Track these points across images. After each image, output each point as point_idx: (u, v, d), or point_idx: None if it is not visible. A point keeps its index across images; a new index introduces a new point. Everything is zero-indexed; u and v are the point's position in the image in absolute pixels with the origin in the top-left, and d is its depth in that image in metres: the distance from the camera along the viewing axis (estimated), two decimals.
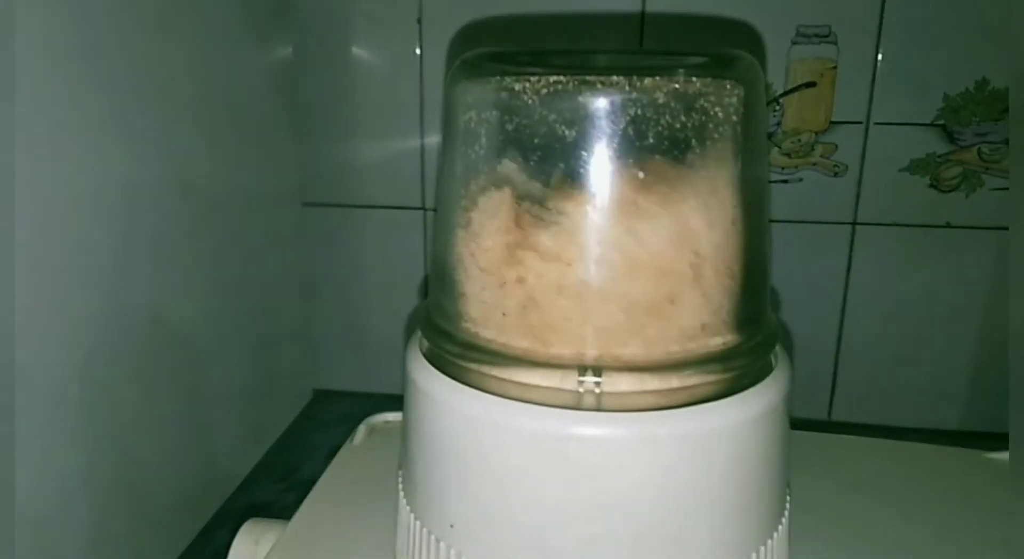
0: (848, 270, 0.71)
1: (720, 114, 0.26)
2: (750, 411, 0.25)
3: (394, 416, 0.43)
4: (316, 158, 0.74)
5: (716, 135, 0.26)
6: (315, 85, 0.72)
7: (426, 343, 0.29)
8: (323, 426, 0.74)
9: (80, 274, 0.43)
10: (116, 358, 0.46)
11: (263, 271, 0.67)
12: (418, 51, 0.71)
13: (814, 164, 0.69)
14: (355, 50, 0.72)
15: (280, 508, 0.61)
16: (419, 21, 0.70)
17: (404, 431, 0.30)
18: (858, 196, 0.69)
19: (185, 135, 0.53)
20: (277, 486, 0.64)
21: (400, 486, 0.31)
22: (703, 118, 0.26)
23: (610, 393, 0.25)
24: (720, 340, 0.26)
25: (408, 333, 0.78)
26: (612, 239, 0.25)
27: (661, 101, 0.25)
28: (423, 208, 0.75)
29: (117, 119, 0.45)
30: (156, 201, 0.50)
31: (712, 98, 0.26)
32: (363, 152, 0.74)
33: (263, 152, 0.66)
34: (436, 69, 0.71)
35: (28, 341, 0.39)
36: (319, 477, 0.40)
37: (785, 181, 0.69)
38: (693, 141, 0.26)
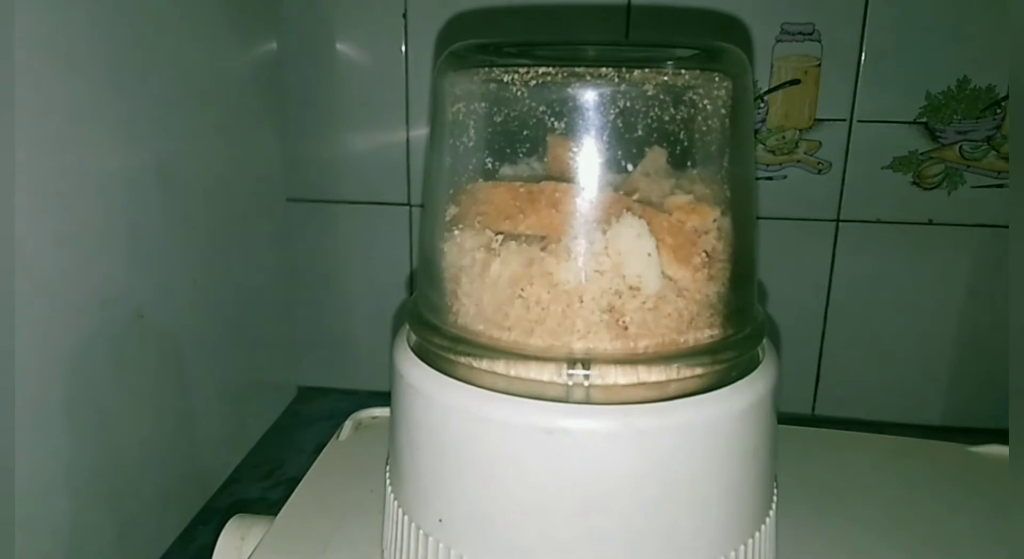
0: (832, 266, 0.71)
1: (708, 106, 0.26)
2: (738, 404, 0.25)
3: (381, 411, 0.43)
4: (301, 153, 0.74)
5: (704, 127, 0.26)
6: (300, 79, 0.72)
7: (414, 337, 0.29)
8: (308, 423, 0.74)
9: (61, 271, 0.42)
10: (98, 355, 0.46)
11: (247, 267, 0.66)
12: (403, 46, 0.70)
13: (798, 161, 0.69)
14: (340, 44, 0.71)
15: (265, 505, 0.60)
16: (404, 15, 0.70)
17: (392, 425, 0.30)
18: (842, 193, 0.70)
19: (168, 130, 0.52)
20: (262, 483, 0.63)
21: (388, 481, 0.30)
22: (691, 110, 0.26)
23: (598, 386, 0.25)
24: (708, 333, 0.26)
25: (395, 329, 0.78)
26: (599, 231, 0.25)
27: (650, 93, 0.25)
28: (408, 204, 0.74)
29: (99, 114, 0.45)
30: (139, 197, 0.49)
31: (700, 90, 0.26)
32: (348, 147, 0.74)
33: (247, 147, 0.66)
34: (422, 63, 0.71)
35: (11, 339, 0.38)
36: (304, 474, 0.39)
37: (770, 178, 0.70)
38: (681, 133, 0.26)
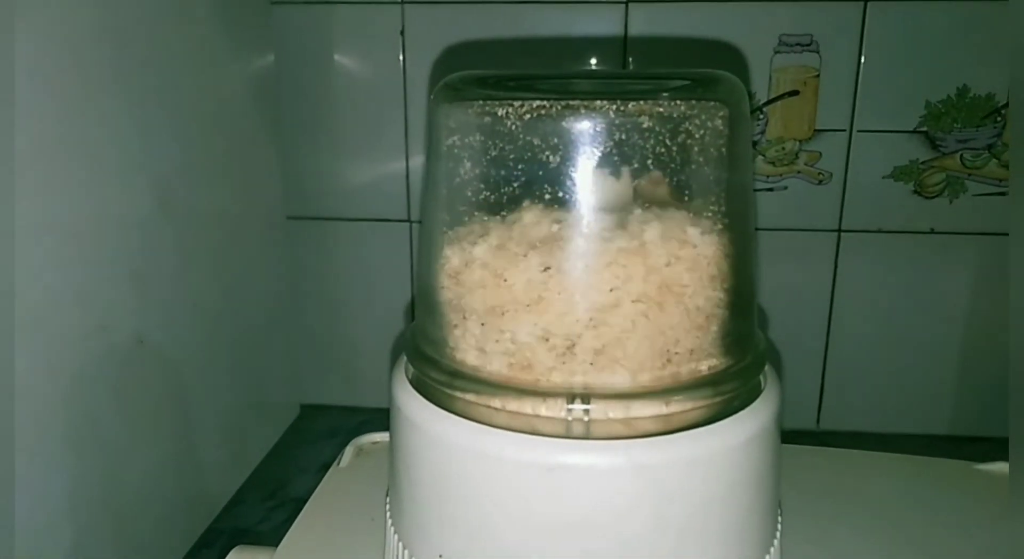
0: (834, 277, 0.71)
1: (705, 136, 0.26)
2: (741, 435, 0.25)
3: (381, 436, 0.42)
4: (300, 171, 0.74)
5: (701, 157, 0.26)
6: (298, 96, 0.72)
7: (412, 369, 0.29)
8: (310, 441, 0.74)
9: (61, 296, 0.42)
10: (100, 380, 0.46)
11: (248, 286, 0.66)
12: (402, 61, 0.70)
13: (799, 172, 0.69)
14: (338, 60, 0.71)
15: (268, 527, 0.60)
16: (402, 32, 0.70)
17: (391, 458, 0.29)
18: (843, 203, 0.69)
19: (166, 150, 0.52)
20: (265, 504, 0.63)
21: (388, 513, 0.30)
22: (688, 140, 0.25)
23: (599, 420, 0.24)
24: (709, 364, 0.26)
25: (396, 350, 0.77)
26: (598, 264, 0.25)
27: (646, 125, 0.24)
28: (409, 220, 0.74)
29: (99, 137, 0.45)
30: (137, 219, 0.49)
31: (697, 120, 0.25)
32: (347, 163, 0.73)
33: (246, 165, 0.66)
34: (420, 79, 0.71)
35: (12, 365, 0.38)
36: (307, 495, 0.39)
37: (770, 189, 0.70)
38: (678, 163, 0.26)
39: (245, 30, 0.64)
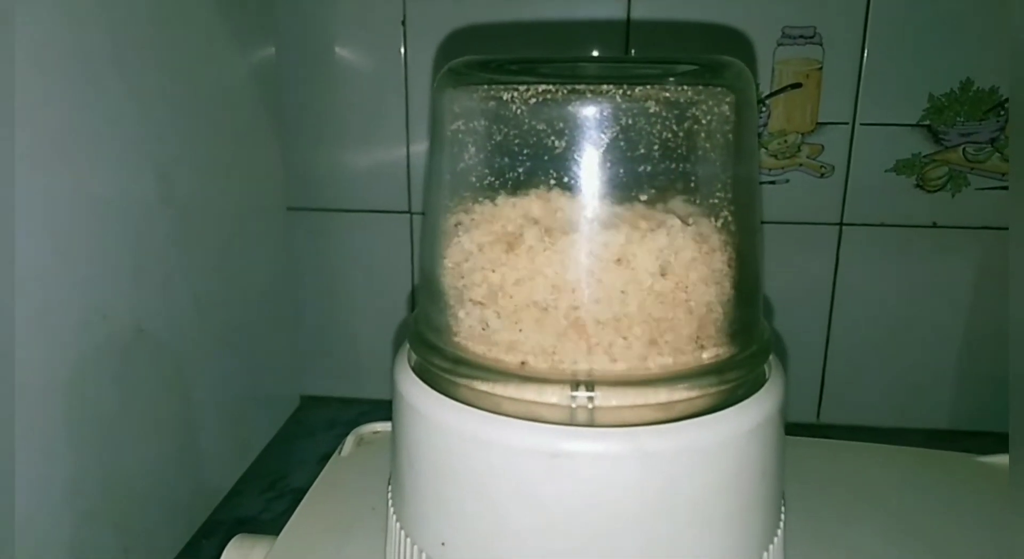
0: (835, 271, 0.71)
1: (712, 122, 0.26)
2: (745, 424, 0.25)
3: (382, 426, 0.42)
4: (300, 161, 0.73)
5: (707, 143, 0.26)
6: (299, 87, 0.72)
7: (414, 356, 0.28)
8: (310, 433, 0.74)
9: (62, 285, 0.42)
10: (99, 370, 0.45)
11: (248, 277, 0.66)
12: (403, 52, 0.70)
13: (800, 165, 0.69)
14: (339, 51, 0.71)
15: (268, 518, 0.60)
16: (403, 22, 0.69)
17: (393, 446, 0.29)
18: (845, 197, 0.69)
19: (166, 140, 0.52)
20: (265, 495, 0.63)
21: (390, 502, 0.30)
22: (694, 126, 0.25)
23: (603, 408, 0.24)
24: (714, 352, 0.26)
25: (397, 342, 0.77)
26: (603, 251, 0.24)
27: (652, 110, 0.24)
28: (409, 212, 0.74)
29: (96, 125, 0.45)
30: (138, 208, 0.49)
31: (703, 106, 0.25)
32: (348, 155, 0.73)
33: (246, 156, 0.66)
34: (421, 70, 0.70)
35: (12, 354, 0.38)
36: (307, 486, 0.39)
37: (772, 182, 0.69)
38: (684, 150, 0.25)
39: (246, 20, 0.64)
